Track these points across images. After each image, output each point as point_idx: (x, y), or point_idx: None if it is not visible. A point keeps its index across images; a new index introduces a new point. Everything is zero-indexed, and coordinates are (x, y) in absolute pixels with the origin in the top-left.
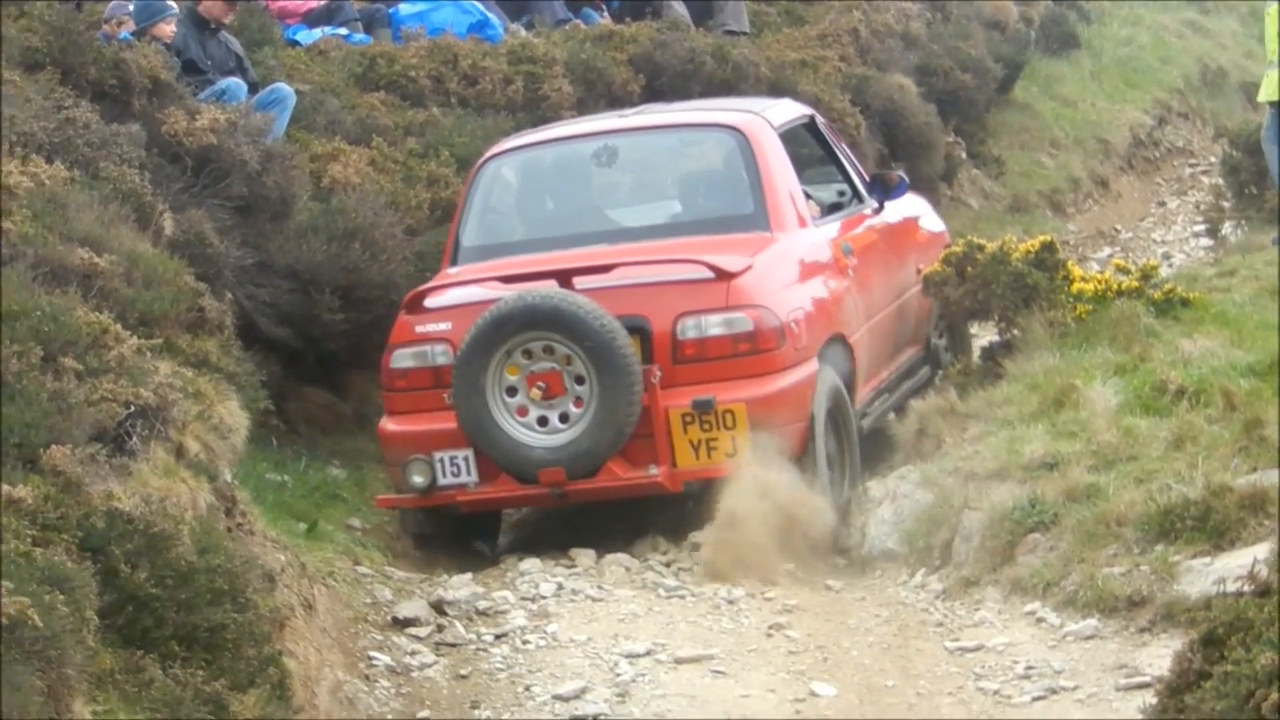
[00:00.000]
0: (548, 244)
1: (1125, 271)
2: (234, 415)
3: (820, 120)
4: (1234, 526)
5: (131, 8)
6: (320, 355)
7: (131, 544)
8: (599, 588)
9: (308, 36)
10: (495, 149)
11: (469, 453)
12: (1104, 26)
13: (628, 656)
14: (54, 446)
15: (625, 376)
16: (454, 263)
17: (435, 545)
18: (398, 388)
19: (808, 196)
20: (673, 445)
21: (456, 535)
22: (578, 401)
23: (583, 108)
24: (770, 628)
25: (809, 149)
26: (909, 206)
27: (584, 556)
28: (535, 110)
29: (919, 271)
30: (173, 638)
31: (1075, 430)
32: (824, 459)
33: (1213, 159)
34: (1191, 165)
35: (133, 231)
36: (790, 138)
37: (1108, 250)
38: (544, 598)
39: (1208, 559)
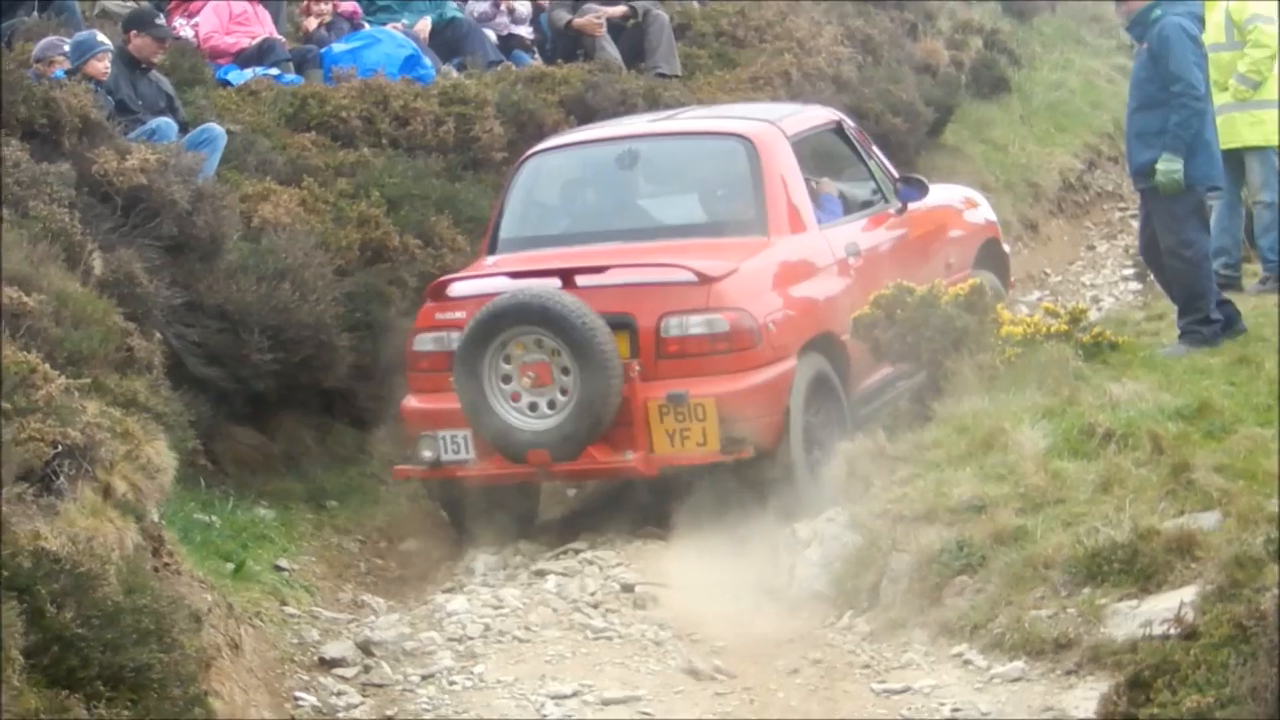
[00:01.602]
0: (569, 239)
1: (1054, 315)
2: (162, 455)
3: (849, 125)
4: (1161, 570)
5: (68, 47)
6: (249, 395)
7: (58, 584)
8: (526, 629)
9: (239, 77)
10: (537, 147)
11: (468, 432)
12: (1034, 71)
13: (554, 698)
14: None
15: (605, 370)
16: (492, 252)
17: (467, 512)
18: (419, 368)
19: (822, 190)
20: (650, 434)
21: (486, 505)
22: (563, 390)
23: (514, 149)
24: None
25: (836, 152)
26: (949, 202)
27: (511, 596)
28: (466, 151)
29: (949, 266)
30: (98, 678)
31: (1003, 473)
32: (800, 450)
33: None
34: (1121, 209)
35: (62, 271)
36: (809, 144)
37: (1037, 294)
38: (471, 638)
39: (1134, 602)
